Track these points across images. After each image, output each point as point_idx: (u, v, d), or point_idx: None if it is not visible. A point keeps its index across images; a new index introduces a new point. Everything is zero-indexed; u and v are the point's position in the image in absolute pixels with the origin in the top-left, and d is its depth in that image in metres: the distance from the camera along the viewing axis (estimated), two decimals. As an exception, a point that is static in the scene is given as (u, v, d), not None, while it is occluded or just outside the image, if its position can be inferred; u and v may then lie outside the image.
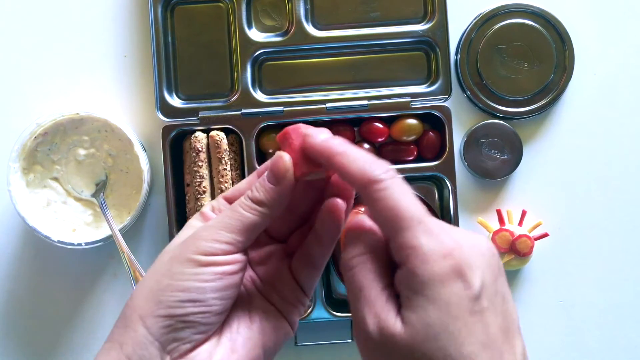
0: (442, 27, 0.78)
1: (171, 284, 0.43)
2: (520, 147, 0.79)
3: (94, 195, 0.79)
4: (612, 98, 0.81)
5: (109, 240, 0.77)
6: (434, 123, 0.79)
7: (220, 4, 0.79)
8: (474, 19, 0.80)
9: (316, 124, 0.79)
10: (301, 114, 0.77)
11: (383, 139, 0.80)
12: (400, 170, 0.77)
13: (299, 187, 0.47)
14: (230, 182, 0.76)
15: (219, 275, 0.44)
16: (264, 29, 0.79)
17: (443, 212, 0.79)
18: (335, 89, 0.79)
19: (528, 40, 0.79)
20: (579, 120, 0.81)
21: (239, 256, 0.45)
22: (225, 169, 0.76)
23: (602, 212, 0.81)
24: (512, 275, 0.81)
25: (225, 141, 0.76)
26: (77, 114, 0.76)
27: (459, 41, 0.80)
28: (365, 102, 0.77)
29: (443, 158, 0.77)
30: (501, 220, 0.79)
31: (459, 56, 0.80)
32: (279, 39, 0.79)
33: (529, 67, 0.79)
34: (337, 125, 0.79)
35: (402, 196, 0.41)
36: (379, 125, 0.79)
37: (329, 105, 0.77)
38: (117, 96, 0.82)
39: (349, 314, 0.77)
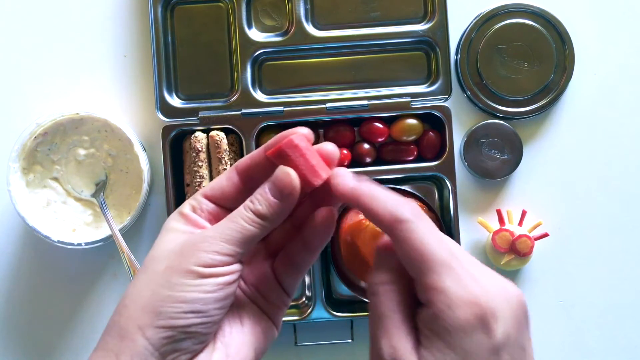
0: (442, 27, 0.78)
1: (171, 295, 0.43)
2: (520, 147, 0.79)
3: (93, 195, 0.79)
4: (612, 98, 0.81)
5: (109, 240, 0.77)
6: (434, 123, 0.79)
7: (220, 4, 0.79)
8: (474, 19, 0.80)
9: (316, 124, 0.79)
10: (301, 114, 0.77)
11: (383, 139, 0.80)
12: (400, 170, 0.77)
13: None
14: (230, 182, 0.76)
15: (221, 286, 0.44)
16: (264, 29, 0.79)
17: (443, 212, 0.79)
18: (335, 89, 0.79)
19: (528, 40, 0.79)
20: (579, 120, 0.81)
21: (237, 266, 0.45)
22: (225, 169, 0.76)
23: (602, 212, 0.81)
24: (512, 275, 0.81)
25: (225, 141, 0.76)
26: (77, 114, 0.76)
27: (459, 41, 0.80)
28: (365, 102, 0.77)
29: (443, 158, 0.77)
30: (501, 220, 0.79)
31: (459, 56, 0.80)
32: (279, 39, 0.79)
33: (529, 67, 0.79)
34: (337, 125, 0.79)
35: (429, 237, 0.41)
36: (379, 125, 0.79)
37: (329, 105, 0.77)
38: (117, 96, 0.82)
39: (349, 314, 0.77)
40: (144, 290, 0.44)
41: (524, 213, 0.79)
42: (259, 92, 0.79)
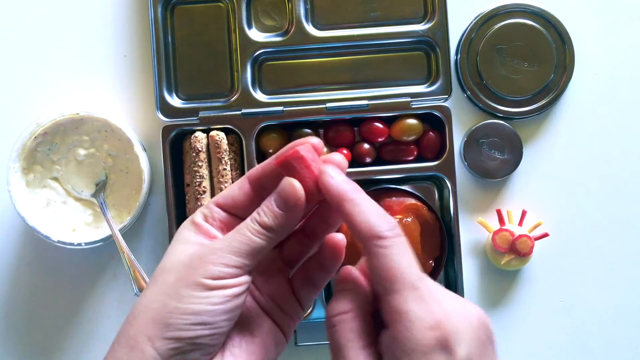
0: (442, 27, 0.78)
1: (179, 306, 0.43)
2: (520, 147, 0.79)
3: (93, 195, 0.79)
4: (612, 98, 0.81)
5: (109, 241, 0.77)
6: (434, 123, 0.79)
7: (220, 4, 0.79)
8: (474, 19, 0.80)
9: (316, 124, 0.79)
10: (301, 114, 0.77)
11: (383, 139, 0.80)
12: (400, 170, 0.77)
13: None
14: (230, 182, 0.76)
15: (228, 298, 0.44)
16: (264, 29, 0.79)
17: (443, 212, 0.79)
18: (335, 89, 0.79)
19: (528, 40, 0.79)
20: (579, 120, 0.81)
21: (245, 277, 0.45)
22: (225, 169, 0.76)
23: (602, 212, 0.81)
24: (512, 275, 0.81)
25: (225, 141, 0.76)
26: (77, 114, 0.76)
27: (459, 41, 0.80)
28: (365, 102, 0.77)
29: (443, 158, 0.77)
30: (501, 220, 0.79)
31: (459, 56, 0.80)
32: (279, 39, 0.79)
33: (529, 67, 0.79)
34: (337, 125, 0.79)
35: (402, 257, 0.42)
36: (379, 125, 0.79)
37: (329, 105, 0.77)
38: (117, 96, 0.82)
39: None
40: (154, 302, 0.44)
41: (524, 213, 0.79)
42: (259, 92, 0.79)
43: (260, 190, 0.48)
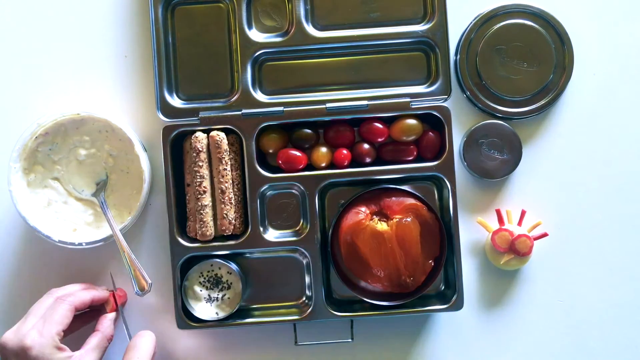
0: (442, 27, 0.78)
1: None
2: (520, 147, 0.79)
3: (94, 195, 0.79)
4: (611, 98, 0.82)
5: (110, 240, 0.77)
6: (434, 123, 0.79)
7: (221, 5, 0.80)
8: (474, 19, 0.80)
9: (316, 124, 0.79)
10: (301, 114, 0.78)
11: (383, 139, 0.80)
12: (400, 170, 0.78)
13: None
14: (230, 182, 0.77)
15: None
16: (264, 30, 0.80)
17: (443, 212, 0.79)
18: (335, 89, 0.79)
19: (528, 41, 0.79)
20: (579, 120, 0.82)
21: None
22: (225, 169, 0.76)
23: (601, 211, 0.81)
24: (511, 275, 0.81)
25: (225, 141, 0.76)
26: (78, 114, 0.76)
27: (458, 41, 0.80)
28: (365, 102, 0.78)
29: (443, 158, 0.77)
30: (500, 220, 0.79)
31: (458, 56, 0.80)
32: (279, 39, 0.79)
33: (528, 68, 0.80)
34: (337, 125, 0.79)
35: None
36: (379, 125, 0.79)
37: (329, 105, 0.77)
38: (118, 96, 0.82)
39: (349, 314, 0.78)
40: None
41: (523, 213, 0.79)
42: (259, 92, 0.79)
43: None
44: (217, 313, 0.78)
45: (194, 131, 0.77)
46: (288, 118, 0.78)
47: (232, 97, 0.79)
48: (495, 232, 0.78)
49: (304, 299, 0.80)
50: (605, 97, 0.81)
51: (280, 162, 0.79)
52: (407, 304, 0.77)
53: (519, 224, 0.79)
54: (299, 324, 0.79)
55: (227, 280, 0.78)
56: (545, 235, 0.78)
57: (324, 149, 0.79)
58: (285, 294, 0.80)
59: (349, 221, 0.76)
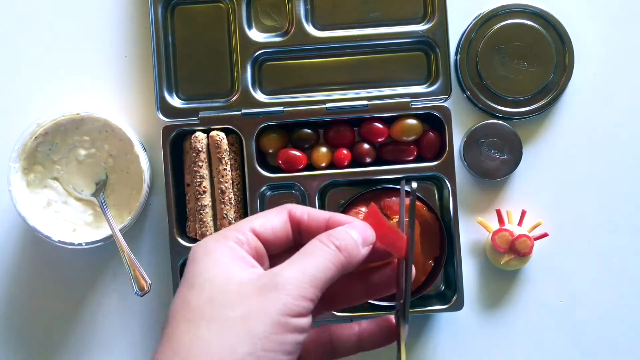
0: (442, 27, 0.78)
1: (253, 353, 0.35)
2: (520, 147, 0.79)
3: (94, 195, 0.79)
4: (612, 98, 0.82)
5: (109, 240, 0.77)
6: (434, 123, 0.79)
7: (220, 4, 0.80)
8: (474, 19, 0.80)
9: (316, 124, 0.79)
10: (301, 114, 0.78)
11: (383, 139, 0.80)
12: (400, 170, 0.77)
13: None
14: (230, 182, 0.76)
15: (299, 346, 0.37)
16: (264, 29, 0.80)
17: (443, 212, 0.79)
18: (335, 89, 0.79)
19: (528, 41, 0.79)
20: (579, 121, 0.82)
21: (310, 319, 0.38)
22: (225, 169, 0.76)
23: (601, 212, 0.81)
24: (511, 275, 0.81)
25: (225, 141, 0.76)
26: (78, 114, 0.76)
27: (458, 41, 0.80)
28: (365, 102, 0.78)
29: (443, 158, 0.77)
30: (501, 220, 0.79)
31: (458, 56, 0.80)
32: (279, 39, 0.79)
33: (528, 67, 0.80)
34: (337, 125, 0.79)
35: None
36: (379, 125, 0.79)
37: (329, 105, 0.77)
38: (118, 96, 0.82)
39: (349, 314, 0.77)
40: (216, 344, 0.35)
41: (523, 213, 0.79)
42: (259, 92, 0.79)
43: (297, 236, 0.43)
44: (217, 313, 0.78)
45: (194, 131, 0.77)
46: (288, 118, 0.78)
47: (232, 97, 0.79)
48: (495, 232, 0.78)
49: (304, 299, 0.80)
50: (605, 97, 0.81)
51: (280, 162, 0.79)
52: (407, 304, 0.77)
53: (519, 224, 0.79)
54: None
55: (227, 281, 0.78)
56: (545, 235, 0.78)
57: (324, 149, 0.79)
58: (285, 294, 0.80)
59: (349, 221, 0.76)
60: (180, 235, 0.78)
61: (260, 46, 0.79)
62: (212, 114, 0.78)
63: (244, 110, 0.78)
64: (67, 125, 0.77)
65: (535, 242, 0.78)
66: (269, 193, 0.80)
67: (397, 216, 0.76)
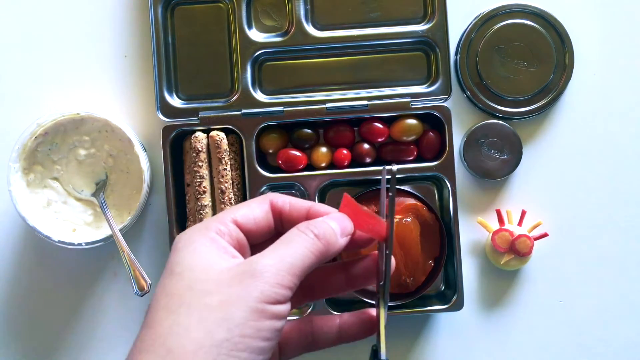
0: (442, 27, 0.78)
1: (230, 339, 0.36)
2: (520, 147, 0.79)
3: (94, 194, 0.79)
4: (612, 98, 0.82)
5: (109, 240, 0.77)
6: (434, 123, 0.79)
7: (220, 4, 0.80)
8: (474, 19, 0.80)
9: (316, 124, 0.79)
10: (301, 114, 0.78)
11: (383, 139, 0.80)
12: (400, 170, 0.77)
13: None
14: (230, 182, 0.76)
15: (277, 333, 0.38)
16: (264, 29, 0.80)
17: (443, 212, 0.79)
18: (335, 89, 0.79)
19: (528, 41, 0.79)
20: (579, 121, 0.82)
21: (289, 306, 0.40)
22: (225, 169, 0.76)
23: (602, 211, 0.81)
24: (511, 275, 0.81)
25: (225, 141, 0.76)
26: (78, 114, 0.76)
27: (458, 41, 0.80)
28: (365, 102, 0.78)
29: (443, 158, 0.77)
30: (501, 220, 0.79)
31: (458, 56, 0.80)
32: (279, 39, 0.79)
33: (528, 67, 0.80)
34: (337, 125, 0.79)
35: None
36: (379, 125, 0.79)
37: (329, 105, 0.77)
38: (117, 96, 0.82)
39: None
40: (195, 330, 0.36)
41: (523, 213, 0.79)
42: (259, 92, 0.79)
43: (278, 223, 0.44)
44: (217, 313, 0.78)
45: (194, 131, 0.77)
46: (288, 118, 0.78)
47: (232, 97, 0.79)
48: (495, 232, 0.78)
49: (304, 299, 0.80)
50: (605, 97, 0.81)
51: (280, 162, 0.79)
52: (407, 304, 0.77)
53: (519, 224, 0.79)
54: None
55: (227, 281, 0.78)
56: (545, 235, 0.78)
57: (324, 149, 0.79)
58: (285, 294, 0.80)
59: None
60: (180, 235, 0.78)
61: (260, 46, 0.79)
62: (212, 114, 0.78)
63: (244, 110, 0.78)
64: (67, 125, 0.77)
65: (535, 242, 0.78)
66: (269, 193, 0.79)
67: (398, 216, 0.76)
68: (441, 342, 0.81)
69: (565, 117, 0.82)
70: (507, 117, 0.80)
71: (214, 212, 0.77)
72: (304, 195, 0.78)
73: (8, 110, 0.82)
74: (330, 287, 0.47)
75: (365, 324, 0.47)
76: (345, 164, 0.78)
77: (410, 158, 0.79)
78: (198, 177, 0.76)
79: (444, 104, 0.77)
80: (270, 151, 0.79)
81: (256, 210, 0.44)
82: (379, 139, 0.80)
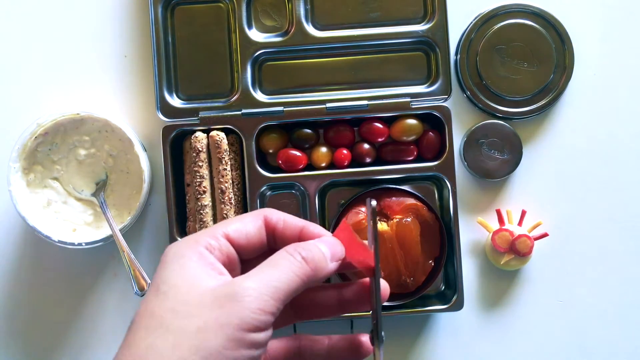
0: (442, 27, 0.78)
1: None
2: (520, 147, 0.79)
3: (94, 194, 0.79)
4: (612, 98, 0.82)
5: (109, 240, 0.77)
6: (434, 123, 0.79)
7: (220, 4, 0.80)
8: (474, 19, 0.80)
9: (316, 124, 0.79)
10: (301, 114, 0.78)
11: (383, 139, 0.80)
12: (400, 170, 0.78)
13: None
14: (230, 182, 0.76)
15: None
16: (264, 29, 0.80)
17: (443, 212, 0.79)
18: (335, 89, 0.79)
19: (528, 40, 0.79)
20: (579, 121, 0.82)
21: (270, 332, 0.38)
22: (225, 169, 0.76)
23: (602, 211, 0.81)
24: (511, 275, 0.81)
25: (225, 141, 0.76)
26: (78, 114, 0.76)
27: (458, 41, 0.80)
28: (365, 102, 0.78)
29: (443, 158, 0.77)
30: (501, 220, 0.79)
31: (458, 56, 0.80)
32: (279, 39, 0.79)
33: (528, 67, 0.80)
34: (337, 125, 0.79)
35: None
36: (379, 125, 0.79)
37: (329, 105, 0.77)
38: (117, 96, 0.82)
39: (349, 314, 0.77)
40: (168, 357, 0.35)
41: (523, 213, 0.79)
42: (259, 92, 0.79)
43: (271, 240, 0.43)
44: (217, 313, 0.78)
45: (194, 131, 0.77)
46: (288, 118, 0.78)
47: (232, 97, 0.79)
48: (495, 232, 0.78)
49: (304, 299, 0.80)
50: (605, 97, 0.81)
51: (280, 162, 0.79)
52: (407, 304, 0.77)
53: (519, 224, 0.79)
54: (299, 324, 0.79)
55: (227, 281, 0.78)
56: (545, 235, 0.78)
57: (324, 149, 0.79)
58: (285, 294, 0.80)
59: (349, 221, 0.76)
60: (180, 235, 0.78)
61: (260, 46, 0.79)
62: (212, 114, 0.78)
63: (244, 110, 0.78)
64: (67, 125, 0.77)
65: (535, 242, 0.78)
66: (269, 193, 0.80)
67: (398, 216, 0.76)
68: (441, 342, 0.81)
69: (565, 117, 0.82)
70: (507, 117, 0.80)
71: (214, 212, 0.77)
72: (304, 195, 0.78)
73: (8, 110, 0.82)
74: (321, 309, 0.46)
75: (355, 351, 0.46)
76: (345, 164, 0.78)
77: (410, 158, 0.79)
78: (198, 177, 0.76)
79: (444, 104, 0.77)
80: (270, 151, 0.79)
81: (249, 226, 0.43)
82: (379, 139, 0.80)
